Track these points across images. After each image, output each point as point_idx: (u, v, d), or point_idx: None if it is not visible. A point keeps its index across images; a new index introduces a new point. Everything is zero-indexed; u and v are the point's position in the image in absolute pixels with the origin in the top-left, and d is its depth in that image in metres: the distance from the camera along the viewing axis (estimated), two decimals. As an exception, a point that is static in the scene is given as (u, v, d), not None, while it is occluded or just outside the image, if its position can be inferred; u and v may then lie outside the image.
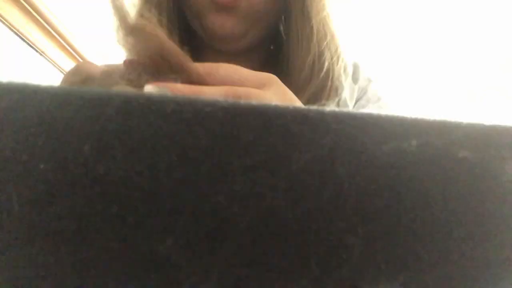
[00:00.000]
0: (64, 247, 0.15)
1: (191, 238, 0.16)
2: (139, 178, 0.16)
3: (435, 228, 0.18)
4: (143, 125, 0.16)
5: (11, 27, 1.69)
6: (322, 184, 0.17)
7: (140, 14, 0.42)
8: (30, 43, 1.85)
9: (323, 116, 0.18)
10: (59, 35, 2.00)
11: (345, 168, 0.18)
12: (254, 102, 0.18)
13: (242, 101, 0.17)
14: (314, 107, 0.18)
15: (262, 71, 0.30)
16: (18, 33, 1.74)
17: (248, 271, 0.16)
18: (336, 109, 0.18)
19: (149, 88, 0.25)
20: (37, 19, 1.84)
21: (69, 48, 2.15)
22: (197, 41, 0.49)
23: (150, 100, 0.17)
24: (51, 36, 1.97)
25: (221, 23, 0.41)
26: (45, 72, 2.11)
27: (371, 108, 0.53)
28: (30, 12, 1.77)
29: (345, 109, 0.19)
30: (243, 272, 0.16)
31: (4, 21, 1.63)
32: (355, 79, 0.54)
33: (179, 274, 0.15)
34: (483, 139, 0.20)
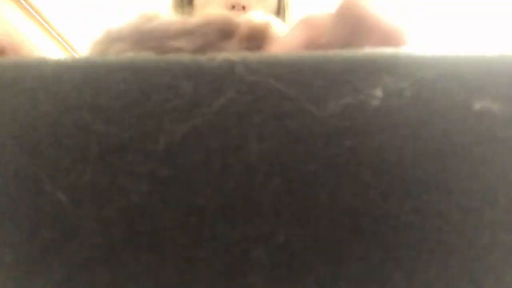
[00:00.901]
0: None
1: (20, 252, 0.11)
2: (-35, 171, 0.12)
3: (424, 236, 0.11)
4: (-23, 101, 0.12)
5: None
6: (222, 168, 0.11)
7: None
8: None
9: (229, 65, 0.12)
10: (59, 35, 2.11)
11: (262, 143, 0.11)
12: (127, 56, 0.12)
13: (105, 56, 0.12)
14: (218, 56, 0.12)
15: None
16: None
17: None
18: (251, 54, 0.12)
19: None
20: (37, 19, 1.95)
21: (69, 48, 2.24)
22: None
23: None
24: (51, 36, 2.08)
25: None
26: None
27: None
28: (30, 12, 1.89)
29: (264, 53, 0.12)
30: None
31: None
32: None
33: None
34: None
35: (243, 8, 0.47)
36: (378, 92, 0.11)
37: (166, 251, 0.11)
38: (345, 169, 0.11)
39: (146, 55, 0.13)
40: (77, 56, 0.13)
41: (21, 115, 0.12)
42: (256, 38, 0.28)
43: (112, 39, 0.31)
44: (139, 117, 0.12)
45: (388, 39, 0.17)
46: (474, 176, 0.11)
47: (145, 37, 0.29)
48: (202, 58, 0.12)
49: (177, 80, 0.12)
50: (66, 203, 0.11)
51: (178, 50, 0.27)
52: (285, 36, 0.20)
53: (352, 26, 0.18)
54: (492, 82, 0.12)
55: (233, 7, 0.47)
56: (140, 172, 0.11)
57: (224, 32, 0.29)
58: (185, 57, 0.12)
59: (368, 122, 0.11)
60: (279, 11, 0.55)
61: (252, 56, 0.12)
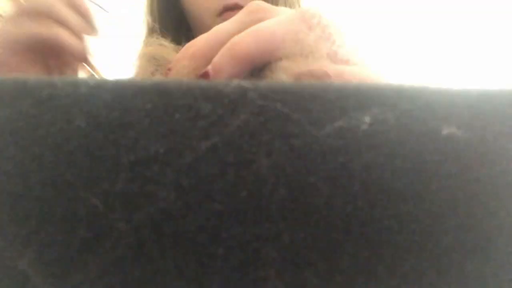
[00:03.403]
0: None
1: (57, 251, 0.13)
2: (4, 179, 0.13)
3: (402, 237, 0.13)
4: (13, 115, 0.14)
5: None
6: (236, 179, 0.13)
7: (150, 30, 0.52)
8: None
9: (242, 91, 0.14)
10: None
11: (270, 158, 0.14)
12: (152, 79, 0.14)
13: (132, 79, 0.14)
14: (234, 81, 0.15)
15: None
16: None
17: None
18: (261, 82, 0.14)
19: None
20: None
21: None
22: None
23: (23, 85, 0.14)
24: None
25: None
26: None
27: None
28: None
29: (272, 82, 0.15)
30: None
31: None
32: None
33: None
34: (480, 108, 0.14)
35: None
36: (367, 119, 0.14)
37: (189, 249, 0.13)
38: (339, 181, 0.14)
39: (170, 79, 0.15)
40: (107, 78, 0.15)
41: (56, 129, 0.14)
42: None
43: None
44: (165, 133, 0.14)
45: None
46: (441, 188, 0.14)
47: None
48: (219, 83, 0.15)
49: (197, 102, 0.14)
50: (100, 208, 0.13)
51: None
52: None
53: None
54: (457, 112, 0.15)
55: (228, 9, 0.47)
56: (167, 182, 0.13)
57: None
58: (203, 82, 0.15)
59: (358, 143, 0.14)
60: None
61: (262, 83, 0.15)
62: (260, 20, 0.23)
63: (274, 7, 0.25)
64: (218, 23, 0.46)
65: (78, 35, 0.35)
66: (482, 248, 0.14)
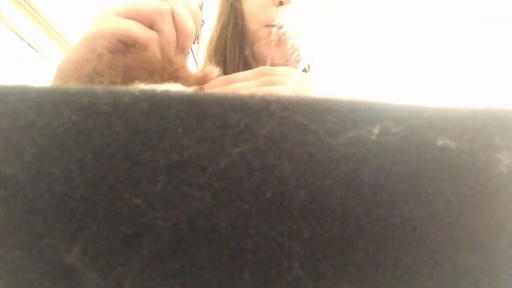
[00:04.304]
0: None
1: (102, 246, 0.14)
2: (49, 179, 0.15)
3: (404, 233, 0.15)
4: (56, 121, 0.15)
5: (11, 27, 1.76)
6: (262, 182, 0.15)
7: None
8: (29, 43, 1.91)
9: (266, 103, 0.16)
10: (59, 35, 2.07)
11: (292, 163, 0.15)
12: (185, 90, 0.16)
13: (167, 90, 0.16)
14: (257, 94, 0.16)
15: None
16: (18, 33, 1.81)
17: (167, 284, 0.14)
18: (283, 95, 0.16)
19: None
20: (37, 19, 1.91)
21: (68, 48, 2.21)
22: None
23: (65, 93, 0.15)
24: (51, 36, 2.04)
25: (270, 53, 0.57)
26: (45, 72, 2.17)
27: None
28: (30, 12, 1.84)
29: (294, 95, 0.17)
30: (161, 285, 0.14)
31: (4, 21, 1.70)
32: None
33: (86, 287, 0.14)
34: (470, 123, 0.17)
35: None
36: (376, 130, 0.16)
37: (221, 244, 0.15)
38: (351, 185, 0.16)
39: (200, 91, 0.16)
40: (145, 89, 0.16)
41: (97, 134, 0.15)
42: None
43: None
44: (197, 140, 0.16)
45: None
46: (437, 192, 0.16)
47: None
48: (245, 95, 0.16)
49: (226, 112, 0.16)
50: (142, 207, 0.15)
51: None
52: None
53: None
54: (450, 126, 0.17)
55: (280, 3, 0.53)
56: (201, 184, 0.15)
57: None
58: (231, 94, 0.16)
59: (367, 151, 0.16)
60: None
61: (283, 97, 0.17)
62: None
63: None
64: (262, 32, 0.56)
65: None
66: (472, 243, 0.16)
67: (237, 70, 0.56)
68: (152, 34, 0.34)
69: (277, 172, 0.16)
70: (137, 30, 0.33)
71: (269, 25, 0.56)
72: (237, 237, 0.15)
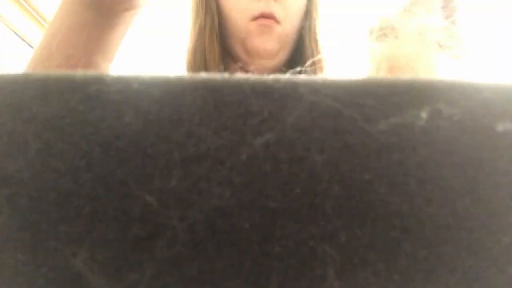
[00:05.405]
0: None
1: (111, 250, 0.13)
2: (54, 176, 0.13)
3: (460, 235, 0.13)
4: (62, 112, 0.14)
5: (11, 27, 1.80)
6: (290, 176, 0.13)
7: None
8: (29, 43, 1.96)
9: (293, 86, 0.14)
10: None
11: (324, 155, 0.13)
12: (203, 75, 0.14)
13: (181, 75, 0.14)
14: (283, 75, 0.14)
15: None
16: (18, 33, 1.86)
17: (183, 293, 0.12)
18: (312, 77, 0.14)
19: None
20: (37, 19, 1.95)
21: None
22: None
23: (71, 81, 0.14)
24: None
25: (263, 44, 0.58)
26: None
27: None
28: (30, 12, 1.88)
29: (324, 76, 0.15)
30: (177, 294, 0.12)
31: (4, 21, 1.75)
32: None
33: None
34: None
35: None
36: (423, 114, 0.14)
37: (244, 247, 0.13)
38: (394, 179, 0.14)
39: (218, 75, 0.15)
40: (156, 74, 0.15)
41: (106, 125, 0.14)
42: None
43: None
44: (216, 130, 0.14)
45: None
46: (498, 186, 0.14)
47: None
48: (269, 78, 0.15)
49: (247, 98, 0.14)
50: (155, 205, 0.13)
51: None
52: None
53: None
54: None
55: None
56: (220, 179, 0.13)
57: None
58: (253, 77, 0.15)
59: (413, 140, 0.14)
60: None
61: (313, 78, 0.15)
62: None
63: None
64: (250, 27, 0.56)
65: None
66: (543, 247, 0.14)
67: (217, 69, 0.57)
68: None
69: (307, 165, 0.14)
70: None
71: (256, 18, 0.57)
72: (261, 240, 0.13)
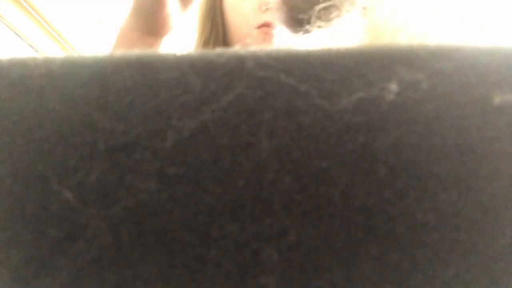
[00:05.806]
0: None
1: (27, 252, 0.11)
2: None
3: (445, 234, 0.11)
4: (-15, 100, 0.13)
5: (10, 27, 1.85)
6: (232, 166, 0.11)
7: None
8: (29, 43, 2.01)
9: (239, 61, 0.12)
10: (59, 35, 2.15)
11: (273, 139, 0.11)
12: (134, 52, 0.13)
13: (111, 53, 0.12)
14: (227, 51, 0.12)
15: None
16: (18, 33, 1.90)
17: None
18: (260, 49, 0.12)
19: None
20: (37, 19, 1.99)
21: (69, 48, 2.27)
22: None
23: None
24: (51, 35, 2.12)
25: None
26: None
27: None
28: (30, 12, 1.93)
29: (276, 48, 0.12)
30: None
31: (4, 21, 1.80)
32: None
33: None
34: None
35: None
36: (393, 86, 0.11)
37: (175, 250, 0.11)
38: (359, 167, 0.11)
39: (153, 52, 0.13)
40: (84, 54, 0.13)
41: (29, 113, 0.12)
42: None
43: None
44: (147, 114, 0.12)
45: None
46: (493, 173, 0.11)
47: None
48: (211, 53, 0.12)
49: (185, 76, 0.12)
50: (73, 202, 0.11)
51: None
52: None
53: None
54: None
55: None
56: (148, 170, 0.11)
57: None
58: (193, 53, 0.13)
59: (383, 117, 0.11)
60: None
61: (262, 51, 0.12)
62: None
63: None
64: (253, 33, 0.55)
65: None
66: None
67: None
68: None
69: (253, 152, 0.12)
70: None
71: (260, 26, 0.57)
72: (195, 242, 0.11)
